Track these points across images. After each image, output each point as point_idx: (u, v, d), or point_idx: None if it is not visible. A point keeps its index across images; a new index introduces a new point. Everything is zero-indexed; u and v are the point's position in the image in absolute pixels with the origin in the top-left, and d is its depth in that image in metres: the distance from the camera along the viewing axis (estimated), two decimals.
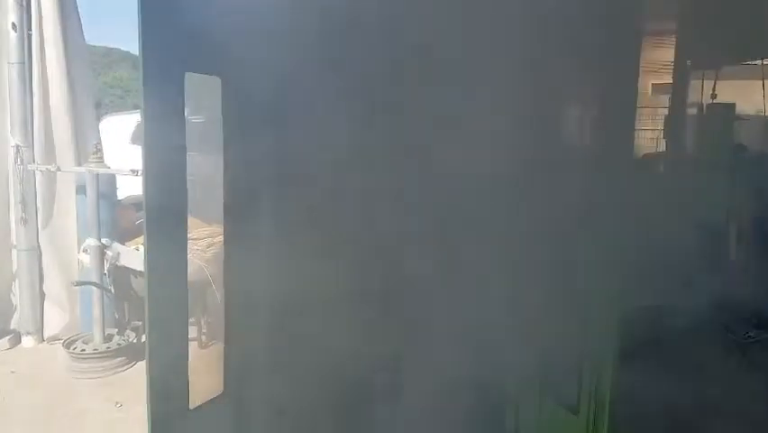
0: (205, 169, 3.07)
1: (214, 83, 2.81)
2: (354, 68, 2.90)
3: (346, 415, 3.01)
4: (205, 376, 2.98)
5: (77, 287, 4.58)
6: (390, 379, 3.10)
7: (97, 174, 4.38)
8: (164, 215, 2.45)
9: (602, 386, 2.45)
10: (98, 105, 6.43)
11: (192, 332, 3.94)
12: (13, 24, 4.54)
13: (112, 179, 4.67)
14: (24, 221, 4.66)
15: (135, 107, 9.32)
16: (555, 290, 2.73)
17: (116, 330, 4.60)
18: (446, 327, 2.99)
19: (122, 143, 7.53)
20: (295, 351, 3.03)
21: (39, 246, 4.77)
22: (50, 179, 4.76)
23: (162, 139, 2.40)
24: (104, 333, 4.44)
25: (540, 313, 2.83)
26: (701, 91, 8.99)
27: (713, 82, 8.75)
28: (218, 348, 3.78)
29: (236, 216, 2.90)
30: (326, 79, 2.86)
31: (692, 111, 9.38)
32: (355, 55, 2.91)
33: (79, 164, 4.64)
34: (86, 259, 4.41)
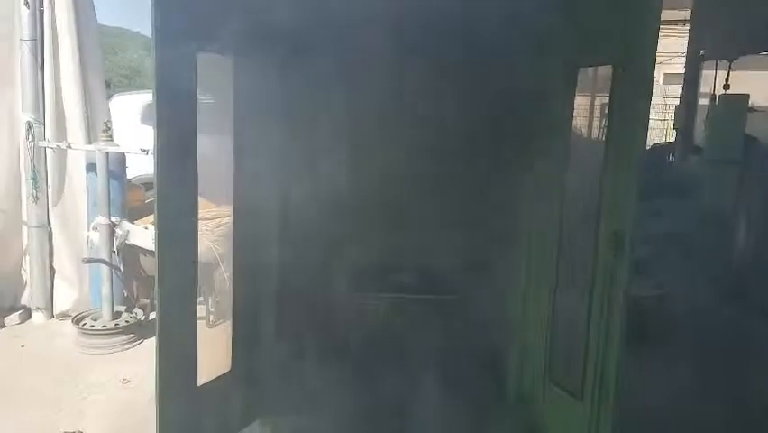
0: (213, 149, 3.07)
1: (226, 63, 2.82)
2: (361, 50, 2.90)
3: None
4: (212, 355, 3.01)
5: (86, 264, 4.62)
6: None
7: (107, 153, 4.39)
8: (175, 194, 2.47)
9: (607, 372, 2.46)
10: (108, 85, 6.42)
11: (200, 311, 3.96)
12: (26, 1, 4.53)
13: (122, 158, 4.69)
14: (35, 198, 4.69)
15: (143, 88, 9.31)
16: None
17: (125, 307, 4.65)
18: None
19: (131, 123, 7.55)
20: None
21: (49, 223, 4.80)
22: (61, 156, 4.78)
23: (174, 119, 2.42)
24: (112, 310, 4.49)
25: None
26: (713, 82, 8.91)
27: (726, 72, 8.66)
28: (225, 327, 3.83)
29: (246, 196, 2.92)
30: (337, 61, 2.86)
31: (704, 102, 9.30)
32: (360, 38, 2.91)
33: (90, 142, 4.65)
34: (95, 236, 4.44)
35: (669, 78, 12.94)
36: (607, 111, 2.57)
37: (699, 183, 7.92)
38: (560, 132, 2.79)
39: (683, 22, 11.17)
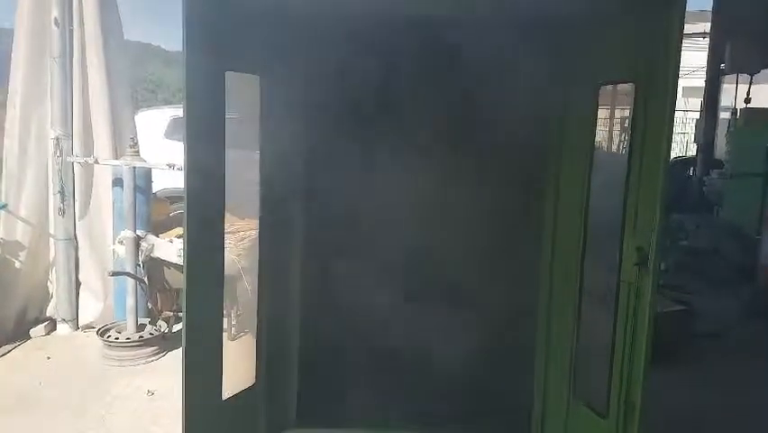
0: (236, 164, 3.13)
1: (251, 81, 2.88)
2: (393, 68, 2.94)
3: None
4: (234, 367, 3.04)
5: (111, 277, 4.69)
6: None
7: (134, 167, 4.47)
8: (203, 209, 2.52)
9: (632, 390, 2.45)
10: (133, 100, 6.54)
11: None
12: (56, 20, 4.64)
13: (147, 173, 4.76)
14: (62, 211, 4.78)
15: (166, 102, 9.48)
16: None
17: (149, 320, 4.70)
18: None
19: (155, 138, 7.68)
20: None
21: (75, 236, 4.89)
22: (88, 170, 4.87)
23: (203, 135, 2.47)
24: (136, 322, 4.54)
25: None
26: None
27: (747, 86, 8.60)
28: (247, 340, 3.86)
29: (272, 211, 2.96)
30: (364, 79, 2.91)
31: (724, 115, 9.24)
32: (390, 57, 2.96)
33: (117, 157, 4.74)
34: (121, 250, 4.51)
35: (689, 92, 12.86)
36: (629, 126, 2.58)
37: (722, 197, 7.85)
38: (583, 147, 2.80)
39: (703, 35, 11.13)
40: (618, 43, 2.61)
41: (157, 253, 4.52)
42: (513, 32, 2.69)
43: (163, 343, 4.58)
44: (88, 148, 4.82)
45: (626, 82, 2.65)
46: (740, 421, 3.71)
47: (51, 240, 4.90)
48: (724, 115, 9.38)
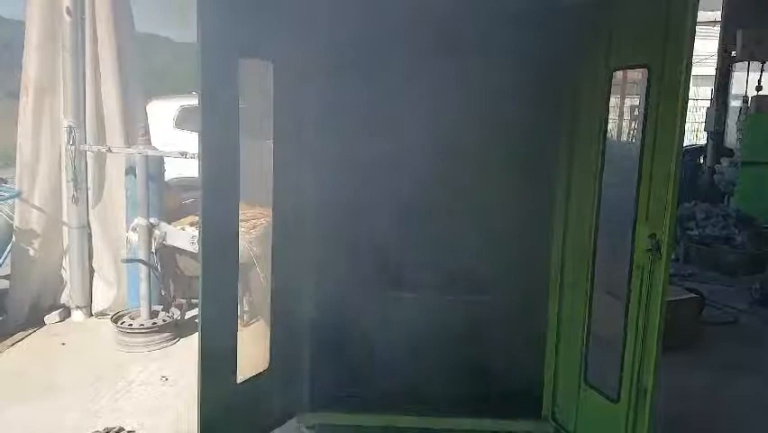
0: (246, 153, 3.14)
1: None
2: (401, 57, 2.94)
3: None
4: (247, 352, 3.08)
5: (125, 264, 4.74)
6: None
7: (146, 156, 4.50)
8: (219, 197, 2.54)
9: (645, 375, 2.47)
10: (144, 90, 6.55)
11: None
12: (68, 9, 4.66)
13: (160, 161, 4.79)
14: (75, 200, 4.82)
15: (174, 93, 9.50)
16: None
17: (162, 307, 4.74)
18: None
19: (165, 128, 7.70)
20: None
21: (89, 224, 4.93)
22: (101, 159, 4.91)
23: (218, 123, 2.49)
24: (150, 309, 4.59)
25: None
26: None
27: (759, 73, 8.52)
28: (260, 326, 3.89)
29: (285, 198, 2.98)
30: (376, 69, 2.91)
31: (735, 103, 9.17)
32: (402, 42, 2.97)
33: (128, 146, 4.76)
34: (134, 237, 4.54)
35: (699, 80, 12.75)
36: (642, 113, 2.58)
37: (732, 185, 7.80)
38: (597, 133, 2.80)
39: (713, 23, 11.03)
40: (632, 28, 2.60)
41: (169, 241, 4.55)
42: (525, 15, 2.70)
43: (176, 329, 4.63)
44: (101, 137, 4.85)
45: (639, 67, 2.65)
46: (751, 407, 3.72)
47: (65, 228, 4.94)
48: (735, 103, 9.31)
